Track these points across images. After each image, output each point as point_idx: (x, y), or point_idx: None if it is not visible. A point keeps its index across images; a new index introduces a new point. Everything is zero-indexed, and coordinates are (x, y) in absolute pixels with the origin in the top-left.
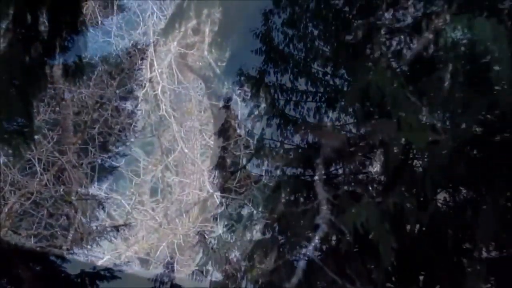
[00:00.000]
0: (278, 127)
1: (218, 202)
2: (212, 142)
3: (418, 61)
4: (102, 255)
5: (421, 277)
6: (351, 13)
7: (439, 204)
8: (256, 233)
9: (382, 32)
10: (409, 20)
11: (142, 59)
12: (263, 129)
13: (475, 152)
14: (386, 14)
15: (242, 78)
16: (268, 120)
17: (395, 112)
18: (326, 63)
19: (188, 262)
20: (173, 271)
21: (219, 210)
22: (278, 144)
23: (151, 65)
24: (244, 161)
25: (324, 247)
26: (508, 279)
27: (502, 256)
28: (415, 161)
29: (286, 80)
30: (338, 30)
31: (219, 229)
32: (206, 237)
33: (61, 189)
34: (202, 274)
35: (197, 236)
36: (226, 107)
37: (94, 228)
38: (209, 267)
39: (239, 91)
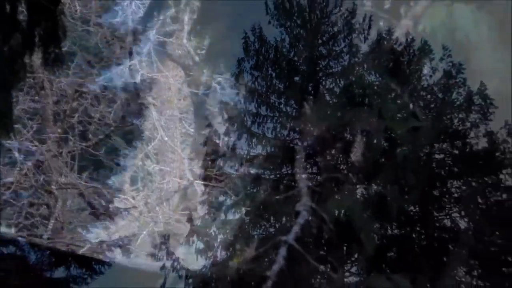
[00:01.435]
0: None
1: (198, 190)
2: (192, 130)
3: (397, 49)
4: (83, 244)
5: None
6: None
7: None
8: (237, 221)
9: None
10: (387, 6)
11: (121, 47)
12: (243, 116)
13: (456, 140)
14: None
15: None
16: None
17: (376, 100)
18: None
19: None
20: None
21: (200, 198)
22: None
23: (130, 53)
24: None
25: (305, 234)
26: (489, 264)
27: (483, 242)
28: (397, 148)
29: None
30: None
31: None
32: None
33: (41, 179)
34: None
35: (178, 224)
36: (206, 95)
37: (75, 217)
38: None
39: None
